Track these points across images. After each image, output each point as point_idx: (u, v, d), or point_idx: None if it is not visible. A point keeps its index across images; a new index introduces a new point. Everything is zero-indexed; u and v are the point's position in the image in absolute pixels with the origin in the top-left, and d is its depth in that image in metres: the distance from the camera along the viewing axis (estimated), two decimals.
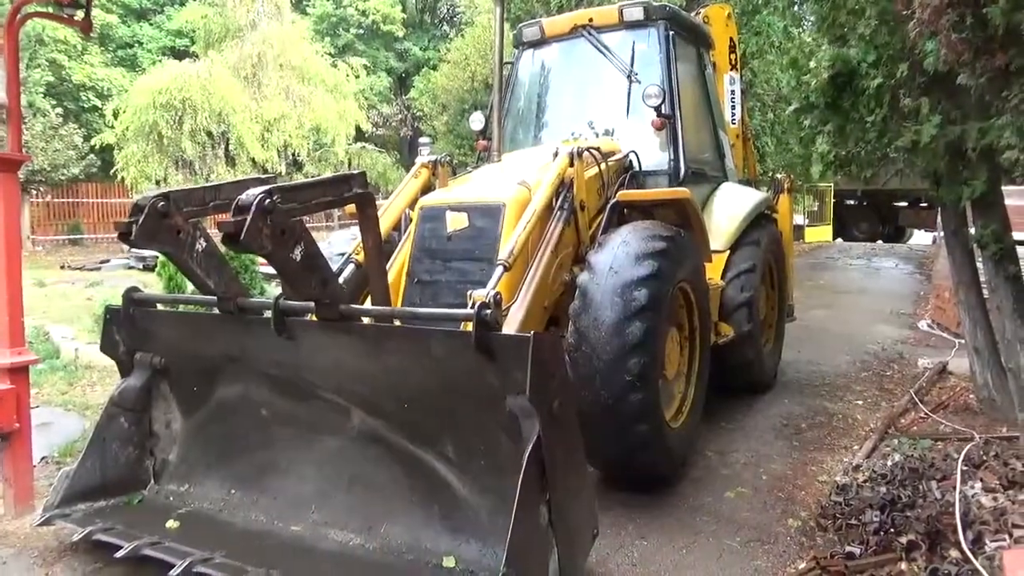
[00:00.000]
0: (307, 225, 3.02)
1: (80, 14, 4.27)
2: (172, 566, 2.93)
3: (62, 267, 16.97)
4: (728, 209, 5.79)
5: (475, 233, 4.18)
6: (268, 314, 3.21)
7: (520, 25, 6.27)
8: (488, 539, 2.91)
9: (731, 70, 7.08)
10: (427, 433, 3.10)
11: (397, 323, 3.43)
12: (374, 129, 27.28)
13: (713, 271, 5.28)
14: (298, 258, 2.91)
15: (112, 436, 3.69)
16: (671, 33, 5.51)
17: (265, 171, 20.32)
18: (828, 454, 4.81)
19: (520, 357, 2.63)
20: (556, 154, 4.40)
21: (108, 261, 17.73)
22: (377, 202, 3.90)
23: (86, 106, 24.80)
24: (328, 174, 17.43)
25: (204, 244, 3.36)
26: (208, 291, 3.43)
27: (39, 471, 4.27)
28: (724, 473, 4.46)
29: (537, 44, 6.09)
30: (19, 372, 3.88)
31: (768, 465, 4.59)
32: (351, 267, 4.50)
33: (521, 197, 4.17)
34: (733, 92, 7.04)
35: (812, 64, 4.78)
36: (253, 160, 20.88)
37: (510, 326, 3.58)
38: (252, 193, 2.75)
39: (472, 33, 22.39)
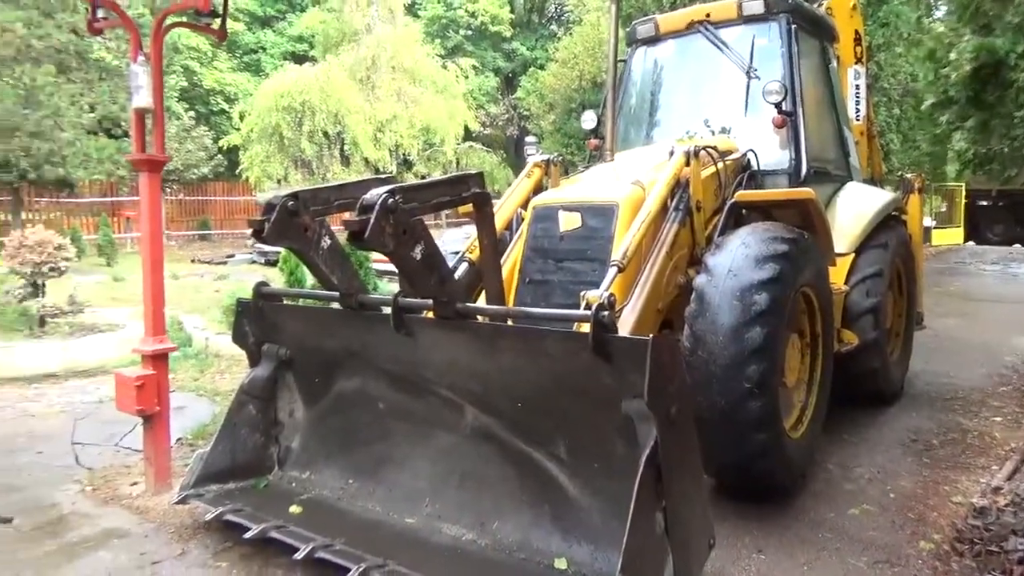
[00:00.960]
0: None
1: (217, 23, 4.53)
2: (295, 549, 3.07)
3: (192, 261, 18.18)
4: (853, 210, 5.50)
5: (588, 233, 4.15)
6: (387, 310, 3.30)
7: (634, 22, 6.18)
8: (600, 543, 2.89)
9: (856, 63, 6.71)
10: (539, 433, 3.10)
11: (510, 322, 3.45)
12: (482, 129, 27.69)
13: (837, 275, 5.03)
14: (418, 256, 2.98)
15: (242, 422, 3.90)
16: (793, 27, 5.29)
17: (377, 171, 21.03)
18: (963, 474, 4.47)
19: (638, 360, 2.58)
20: (672, 153, 4.30)
21: (233, 256, 18.86)
22: None
23: (215, 109, 26.56)
24: (438, 174, 17.83)
25: (329, 241, 3.49)
26: (331, 287, 3.57)
27: (174, 452, 4.56)
28: (847, 488, 4.23)
29: (651, 41, 5.98)
30: (160, 359, 4.17)
31: (896, 482, 4.32)
32: (464, 265, 4.57)
33: (635, 197, 4.11)
34: (858, 87, 6.67)
35: (952, 56, 4.48)
36: (366, 160, 21.64)
37: (623, 328, 3.53)
38: (376, 193, 2.84)
39: (581, 32, 22.32)
